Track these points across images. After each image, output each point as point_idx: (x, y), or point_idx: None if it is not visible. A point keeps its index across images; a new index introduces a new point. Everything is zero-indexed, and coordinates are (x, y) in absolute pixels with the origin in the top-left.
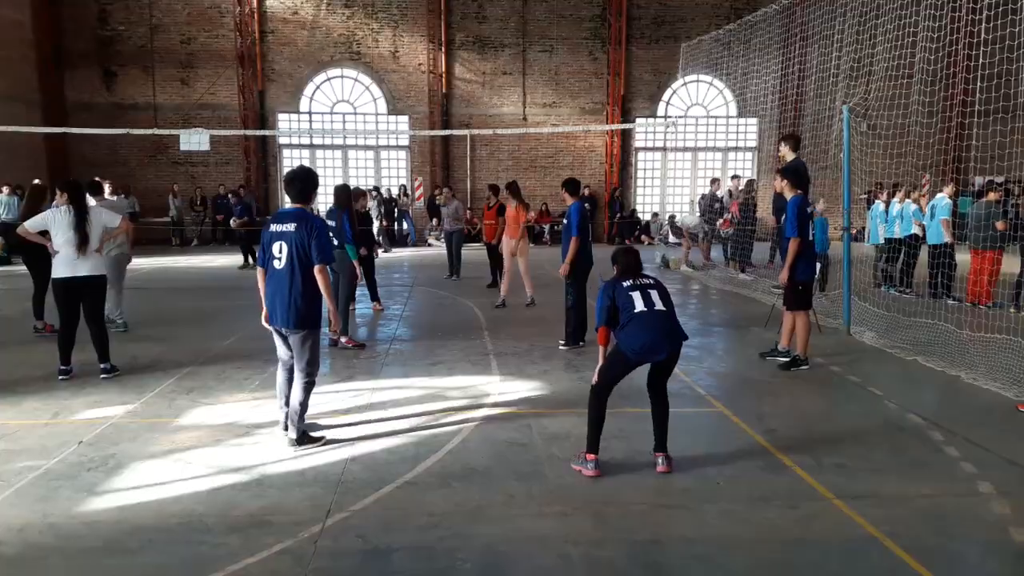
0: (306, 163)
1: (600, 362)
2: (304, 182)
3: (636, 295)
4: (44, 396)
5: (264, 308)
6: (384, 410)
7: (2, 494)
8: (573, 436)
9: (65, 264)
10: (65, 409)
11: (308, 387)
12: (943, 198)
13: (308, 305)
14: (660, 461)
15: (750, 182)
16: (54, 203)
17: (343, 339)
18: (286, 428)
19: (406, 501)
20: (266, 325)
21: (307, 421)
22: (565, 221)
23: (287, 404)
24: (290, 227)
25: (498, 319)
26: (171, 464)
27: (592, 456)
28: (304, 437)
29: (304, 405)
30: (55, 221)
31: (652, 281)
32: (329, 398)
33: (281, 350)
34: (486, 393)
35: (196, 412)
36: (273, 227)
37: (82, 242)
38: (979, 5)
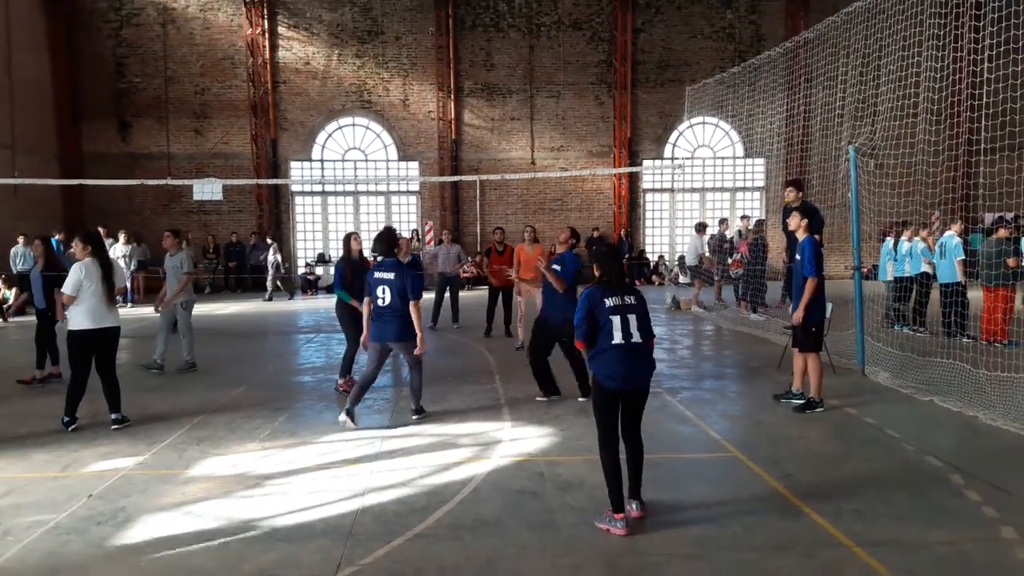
0: (318, 209)
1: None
2: (387, 242)
3: (616, 320)
4: (54, 448)
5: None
6: (394, 459)
7: (11, 549)
8: (587, 484)
9: (91, 316)
10: (75, 461)
11: (420, 370)
12: (952, 236)
13: (408, 325)
14: (635, 506)
15: (760, 222)
16: (70, 251)
17: (340, 381)
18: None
19: (417, 554)
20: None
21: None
22: (557, 267)
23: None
24: (391, 275)
25: (509, 364)
26: (181, 517)
27: (620, 515)
28: (422, 410)
29: (420, 385)
30: (87, 274)
31: (634, 301)
32: (338, 446)
33: (373, 366)
34: (497, 440)
35: (206, 463)
36: (376, 274)
37: (110, 294)
38: (980, 45)
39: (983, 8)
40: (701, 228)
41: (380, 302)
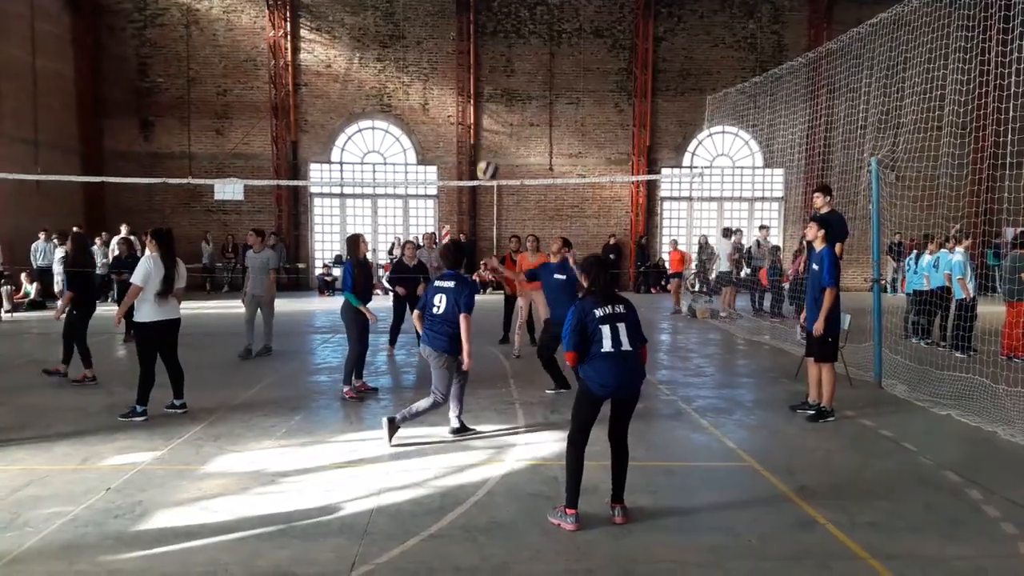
0: (336, 211)
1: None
2: (456, 253)
3: (606, 329)
4: (74, 441)
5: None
6: (409, 459)
7: (30, 540)
8: (601, 490)
9: (157, 308)
10: (94, 455)
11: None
12: (958, 253)
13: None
14: (616, 512)
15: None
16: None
17: (345, 388)
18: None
19: (431, 554)
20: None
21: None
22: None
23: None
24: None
25: (523, 367)
26: (197, 512)
27: (572, 511)
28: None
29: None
30: (155, 268)
31: (623, 310)
32: (355, 446)
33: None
34: (512, 444)
35: (223, 459)
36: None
37: (169, 289)
38: (1008, 59)
39: (1012, 22)
40: (727, 234)
41: (435, 309)
